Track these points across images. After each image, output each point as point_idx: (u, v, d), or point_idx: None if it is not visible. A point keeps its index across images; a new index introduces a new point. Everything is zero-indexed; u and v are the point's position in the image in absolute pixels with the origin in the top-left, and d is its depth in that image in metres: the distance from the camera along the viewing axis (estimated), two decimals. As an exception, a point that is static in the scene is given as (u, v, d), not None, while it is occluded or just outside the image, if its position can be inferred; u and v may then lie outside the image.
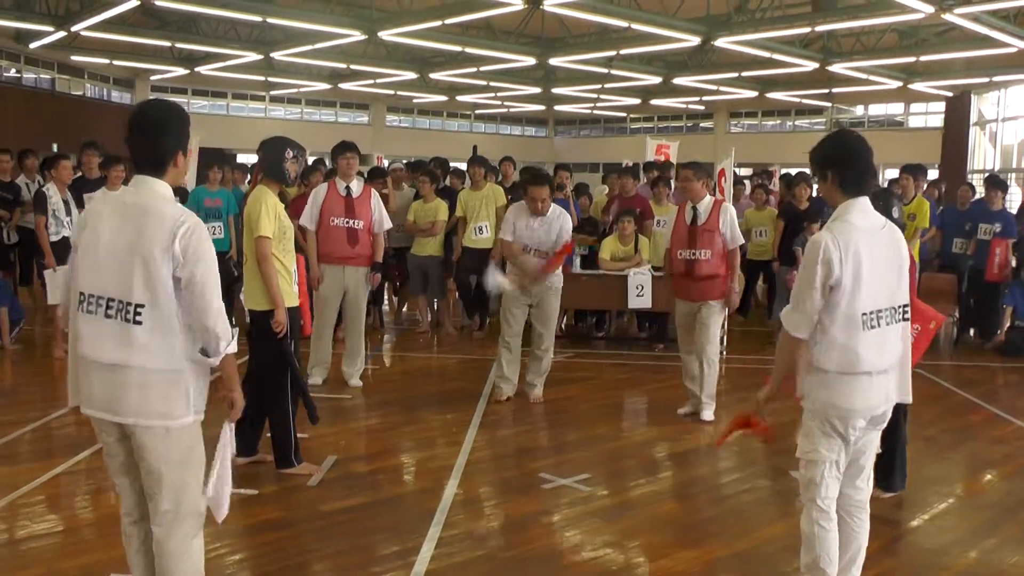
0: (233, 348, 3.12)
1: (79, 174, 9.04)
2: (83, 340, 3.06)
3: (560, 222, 7.15)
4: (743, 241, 6.95)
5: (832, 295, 3.35)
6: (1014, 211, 11.12)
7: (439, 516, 4.72)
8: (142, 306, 2.97)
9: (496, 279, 7.10)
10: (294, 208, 7.72)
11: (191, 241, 2.98)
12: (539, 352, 7.30)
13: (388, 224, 7.58)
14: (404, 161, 12.15)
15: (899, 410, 5.02)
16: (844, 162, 3.46)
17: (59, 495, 5.04)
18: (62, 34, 20.01)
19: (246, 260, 5.33)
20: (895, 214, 5.06)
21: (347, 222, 7.21)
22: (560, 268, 7.25)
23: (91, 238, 3.06)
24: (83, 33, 19.80)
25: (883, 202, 5.09)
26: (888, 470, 5.09)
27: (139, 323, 2.97)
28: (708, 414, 6.82)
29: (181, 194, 10.62)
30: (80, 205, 8.49)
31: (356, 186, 7.32)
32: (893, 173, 12.49)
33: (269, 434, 5.40)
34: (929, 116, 31.60)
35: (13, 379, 8.01)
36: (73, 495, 5.01)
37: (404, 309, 11.51)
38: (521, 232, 7.14)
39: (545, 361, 7.33)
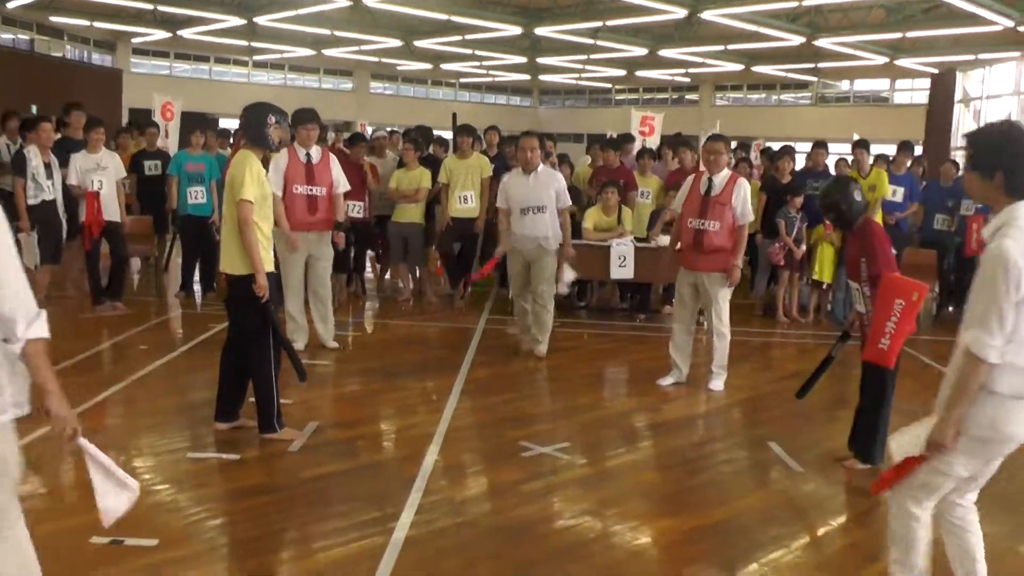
0: (39, 332, 2.53)
1: (60, 135, 8.95)
2: None
3: (553, 181, 7.53)
4: (752, 218, 7.00)
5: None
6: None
7: (419, 483, 4.74)
8: None
9: (567, 276, 7.71)
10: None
11: None
12: (537, 308, 7.66)
13: (346, 186, 7.72)
14: (388, 129, 12.07)
15: (887, 383, 5.08)
16: (1020, 163, 3.05)
17: (42, 458, 5.00)
18: (42, -6, 19.72)
19: (224, 223, 5.30)
20: (858, 197, 5.14)
21: (309, 190, 7.34)
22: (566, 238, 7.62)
23: None
24: (63, -7, 19.53)
25: (843, 190, 5.16)
26: (869, 441, 5.15)
27: None
28: (718, 384, 6.89)
29: (163, 158, 10.55)
30: (64, 165, 8.46)
31: (315, 153, 7.41)
32: (878, 149, 12.60)
33: (252, 399, 5.40)
34: (914, 92, 31.71)
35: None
36: (56, 458, 4.97)
37: (387, 277, 11.49)
38: (518, 193, 7.47)
39: (545, 317, 7.65)
